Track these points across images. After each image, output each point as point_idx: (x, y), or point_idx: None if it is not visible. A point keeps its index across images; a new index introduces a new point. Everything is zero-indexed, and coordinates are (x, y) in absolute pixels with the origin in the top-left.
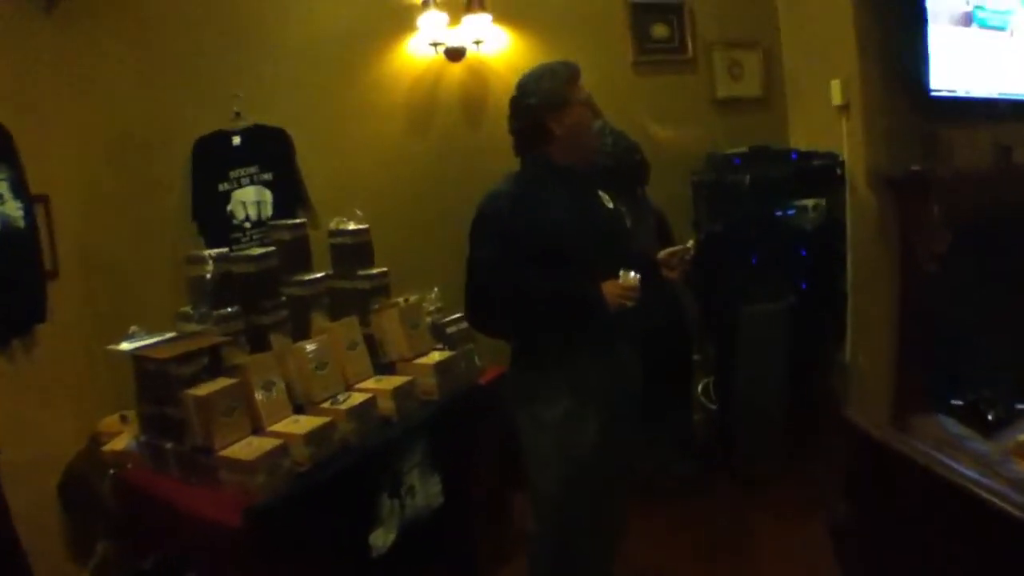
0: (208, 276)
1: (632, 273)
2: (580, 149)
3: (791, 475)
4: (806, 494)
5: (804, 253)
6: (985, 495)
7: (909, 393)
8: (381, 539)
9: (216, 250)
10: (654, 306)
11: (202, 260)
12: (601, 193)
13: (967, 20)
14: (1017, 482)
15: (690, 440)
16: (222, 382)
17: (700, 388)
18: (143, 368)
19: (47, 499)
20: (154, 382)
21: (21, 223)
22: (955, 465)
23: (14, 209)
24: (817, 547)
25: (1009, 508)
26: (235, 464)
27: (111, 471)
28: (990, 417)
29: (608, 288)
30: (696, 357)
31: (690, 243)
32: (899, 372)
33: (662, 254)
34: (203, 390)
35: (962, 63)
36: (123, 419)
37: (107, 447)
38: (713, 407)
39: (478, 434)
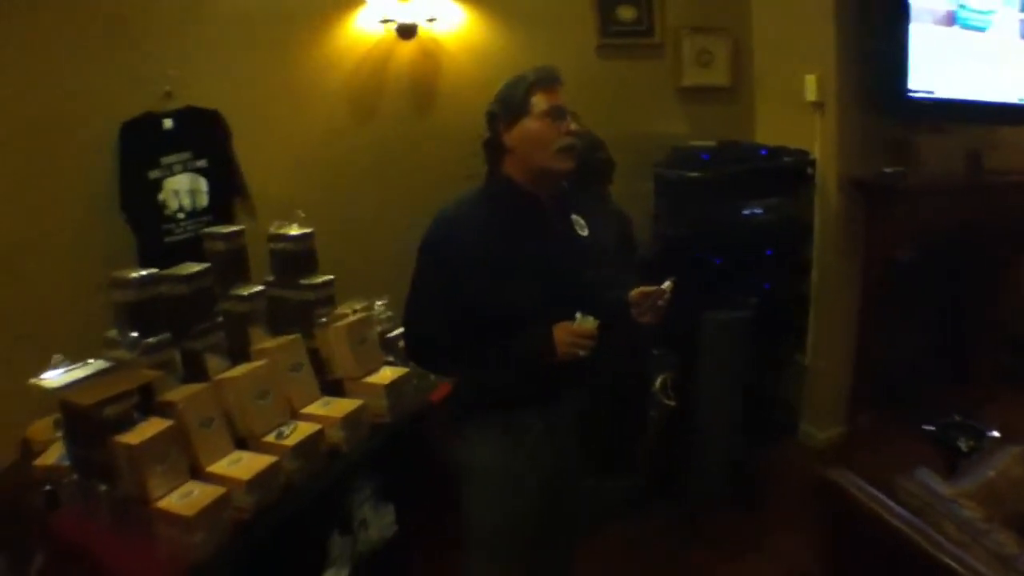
0: (136, 300)
1: (589, 318)
2: (535, 167)
3: (747, 492)
4: (753, 527)
5: (769, 253)
6: (966, 574)
7: (865, 400)
8: None
9: (145, 271)
10: (614, 354)
11: (128, 283)
12: (575, 217)
13: (950, 20)
14: (1000, 557)
15: (641, 452)
16: (156, 425)
17: (658, 384)
18: (68, 407)
19: None
20: (80, 424)
21: None
22: (938, 538)
23: None
24: None
25: None
26: (172, 519)
27: (46, 487)
28: (962, 447)
29: (560, 334)
30: (656, 352)
31: (667, 284)
32: (856, 379)
33: (634, 293)
34: (135, 436)
35: (941, 64)
36: (56, 424)
37: (38, 461)
38: (671, 403)
39: (431, 456)
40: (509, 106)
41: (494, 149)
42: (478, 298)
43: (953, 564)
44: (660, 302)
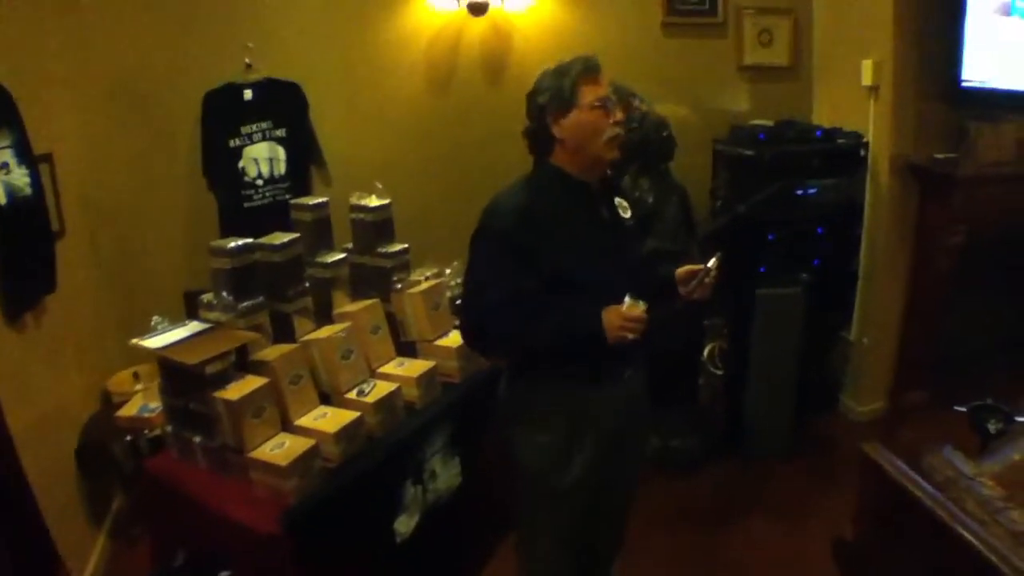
0: (232, 267)
1: (638, 302)
2: (586, 157)
3: (791, 460)
4: (796, 491)
5: (820, 231)
6: (980, 547)
7: (908, 379)
8: (405, 524)
9: (241, 240)
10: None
11: (226, 252)
12: (618, 201)
13: (1007, 10)
14: (1014, 534)
15: (694, 415)
16: (252, 382)
17: (707, 352)
18: (169, 364)
19: (63, 460)
20: (180, 378)
21: (28, 190)
22: (958, 512)
23: (20, 177)
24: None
25: (997, 562)
26: (268, 467)
27: (127, 437)
28: (991, 429)
29: (609, 317)
30: (706, 322)
31: (712, 263)
32: (901, 358)
33: (680, 271)
34: (233, 392)
35: (996, 54)
36: (135, 376)
37: (121, 413)
38: (720, 372)
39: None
40: (558, 98)
41: (542, 139)
42: (535, 270)
43: (971, 538)
44: (707, 279)
